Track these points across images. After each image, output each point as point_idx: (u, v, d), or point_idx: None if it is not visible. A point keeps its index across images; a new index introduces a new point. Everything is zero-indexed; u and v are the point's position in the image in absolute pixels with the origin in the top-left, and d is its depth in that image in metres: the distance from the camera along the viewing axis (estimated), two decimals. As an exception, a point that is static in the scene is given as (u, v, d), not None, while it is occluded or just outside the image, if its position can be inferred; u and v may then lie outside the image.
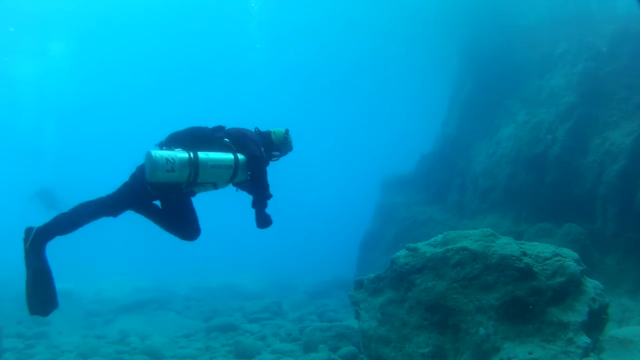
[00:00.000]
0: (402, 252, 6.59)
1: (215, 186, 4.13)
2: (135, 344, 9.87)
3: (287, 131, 4.51)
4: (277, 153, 4.52)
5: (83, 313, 13.25)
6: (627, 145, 10.11)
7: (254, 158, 4.08)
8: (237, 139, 4.14)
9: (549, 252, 5.78)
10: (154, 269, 21.16)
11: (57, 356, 9.15)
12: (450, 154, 16.33)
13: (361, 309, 6.89)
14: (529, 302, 5.37)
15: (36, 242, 3.64)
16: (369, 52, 25.17)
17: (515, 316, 5.36)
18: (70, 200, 19.52)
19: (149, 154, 3.66)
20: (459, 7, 18.07)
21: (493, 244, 5.93)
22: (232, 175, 3.97)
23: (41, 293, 3.59)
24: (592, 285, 5.66)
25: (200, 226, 4.16)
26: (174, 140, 3.97)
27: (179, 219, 4.07)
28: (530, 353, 5.02)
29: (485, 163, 14.18)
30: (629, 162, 9.91)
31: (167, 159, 3.62)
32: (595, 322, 5.49)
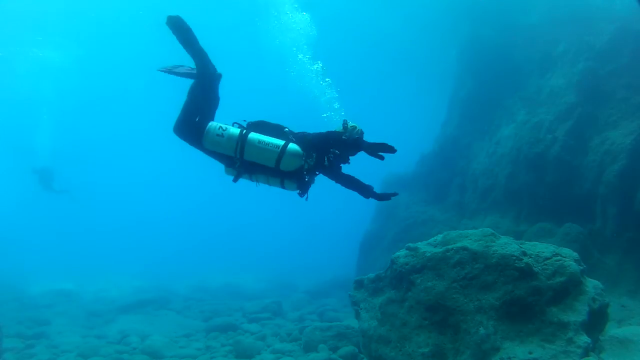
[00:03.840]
0: (402, 252, 6.59)
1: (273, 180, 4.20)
2: (135, 344, 9.87)
3: (345, 121, 4.46)
4: (347, 140, 4.31)
5: (83, 313, 13.23)
6: (627, 145, 10.12)
7: (304, 136, 4.17)
8: (297, 134, 4.26)
9: (549, 251, 5.78)
10: (154, 269, 21.18)
11: (57, 356, 9.15)
12: (450, 153, 16.33)
13: (361, 309, 6.89)
14: (529, 302, 5.37)
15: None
16: (368, 51, 25.16)
17: (515, 316, 5.36)
18: (66, 187, 19.73)
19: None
20: (458, 7, 18.06)
21: (493, 243, 5.93)
22: (278, 160, 4.03)
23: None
24: (592, 284, 5.66)
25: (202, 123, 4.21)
26: (250, 125, 4.27)
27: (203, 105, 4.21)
28: (530, 353, 5.02)
29: (485, 163, 14.18)
30: (629, 162, 9.92)
31: (220, 127, 4.07)
32: (595, 321, 5.50)
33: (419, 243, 6.61)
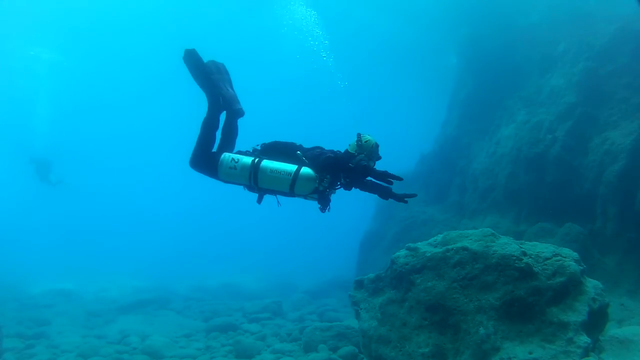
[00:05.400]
0: (402, 252, 6.59)
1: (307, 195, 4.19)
2: (135, 344, 9.87)
3: (358, 135, 4.41)
4: (362, 156, 4.28)
5: (83, 313, 13.23)
6: (627, 145, 10.11)
7: (321, 161, 4.08)
8: (311, 154, 4.21)
9: (549, 252, 5.78)
10: (154, 269, 21.16)
11: (57, 356, 9.14)
12: (450, 153, 16.33)
13: (361, 309, 6.89)
14: (529, 302, 5.37)
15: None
16: (368, 52, 25.16)
17: (515, 316, 5.36)
18: (61, 177, 19.71)
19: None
20: (458, 7, 18.06)
21: (493, 243, 5.93)
22: (291, 186, 4.08)
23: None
24: (592, 285, 5.66)
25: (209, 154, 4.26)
26: (264, 148, 4.32)
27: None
28: (530, 353, 5.02)
29: (485, 163, 14.18)
30: (629, 162, 9.91)
31: (232, 159, 4.14)
32: (596, 321, 5.50)
33: (419, 243, 6.61)
